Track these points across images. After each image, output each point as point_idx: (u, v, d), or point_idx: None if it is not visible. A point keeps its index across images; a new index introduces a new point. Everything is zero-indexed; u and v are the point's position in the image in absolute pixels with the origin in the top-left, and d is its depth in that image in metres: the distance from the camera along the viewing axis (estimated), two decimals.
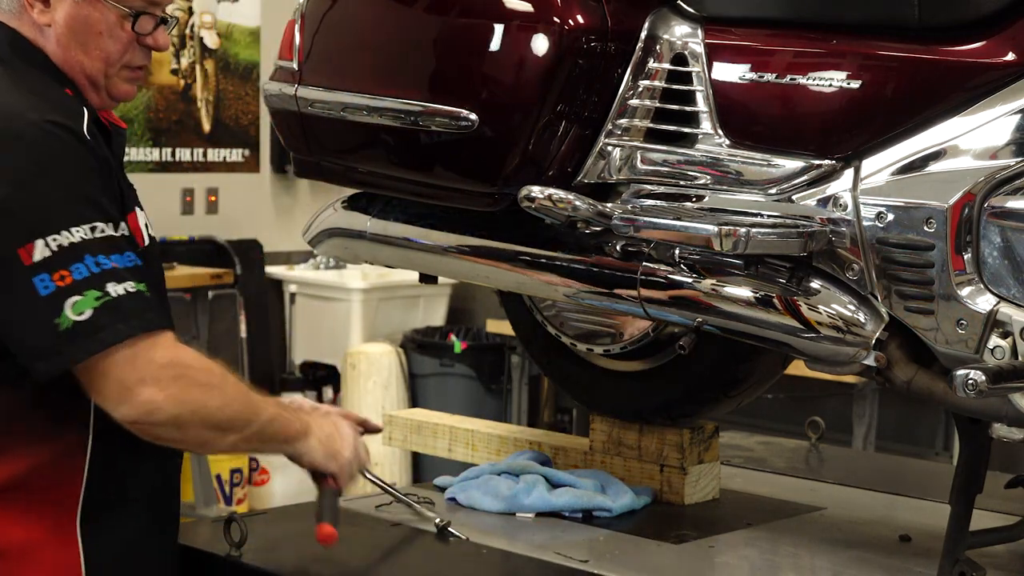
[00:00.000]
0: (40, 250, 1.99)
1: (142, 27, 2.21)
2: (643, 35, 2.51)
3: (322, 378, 7.23)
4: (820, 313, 2.28)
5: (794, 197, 2.32)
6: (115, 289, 2.01)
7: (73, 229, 2.01)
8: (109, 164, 2.13)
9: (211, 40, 7.12)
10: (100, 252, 2.01)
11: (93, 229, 2.02)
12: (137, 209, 2.22)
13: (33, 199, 2.02)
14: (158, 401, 2.03)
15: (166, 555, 2.32)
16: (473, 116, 2.51)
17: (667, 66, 2.49)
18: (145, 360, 2.02)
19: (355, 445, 2.39)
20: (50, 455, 2.12)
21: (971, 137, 2.16)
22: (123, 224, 2.09)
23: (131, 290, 2.02)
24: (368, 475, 2.50)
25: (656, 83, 2.50)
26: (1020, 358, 2.09)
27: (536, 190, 2.46)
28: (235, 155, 7.27)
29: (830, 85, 2.31)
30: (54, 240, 2.00)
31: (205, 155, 7.12)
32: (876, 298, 2.25)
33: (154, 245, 2.27)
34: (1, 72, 2.15)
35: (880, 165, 2.25)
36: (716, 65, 2.44)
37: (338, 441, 2.35)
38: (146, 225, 2.25)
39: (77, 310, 1.98)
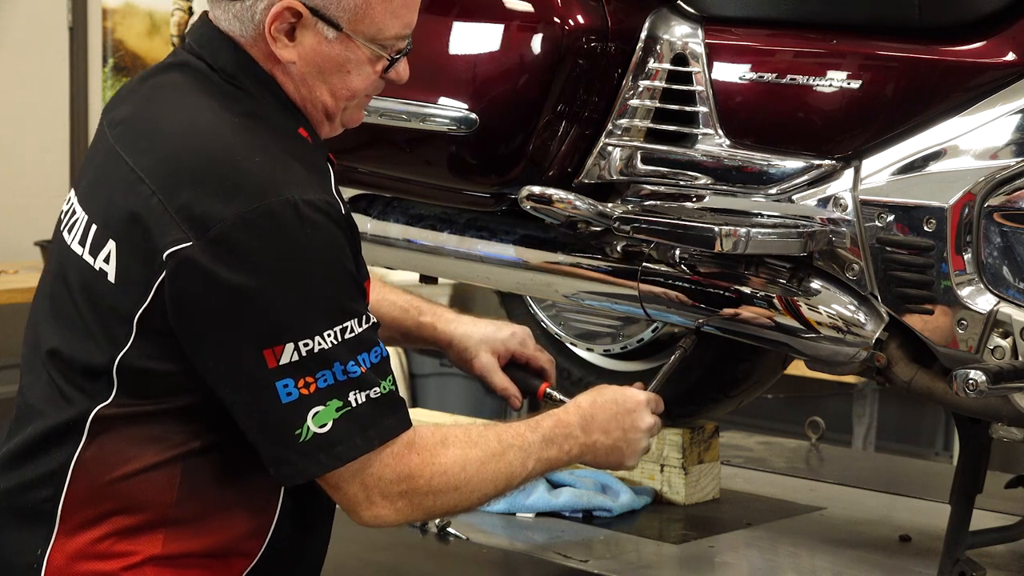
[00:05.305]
0: (288, 354, 1.83)
1: (395, 68, 2.02)
2: (643, 35, 2.51)
3: None
4: (820, 313, 2.29)
5: (794, 197, 2.33)
6: (356, 398, 1.87)
7: (326, 333, 1.84)
8: (357, 229, 1.96)
9: None
10: (350, 358, 1.86)
11: (344, 331, 1.85)
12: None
13: (287, 296, 1.84)
14: (387, 517, 1.94)
15: None
16: (474, 116, 2.51)
17: (667, 66, 2.49)
18: (375, 478, 1.91)
19: (641, 448, 2.21)
20: (239, 524, 1.96)
21: (971, 137, 2.16)
22: (369, 312, 1.91)
23: (373, 396, 1.88)
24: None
25: (656, 83, 2.50)
26: (1020, 358, 2.09)
27: (536, 190, 2.46)
28: None
29: (830, 85, 2.31)
30: (305, 345, 1.83)
31: None
32: (876, 298, 2.25)
33: None
34: (246, 106, 1.95)
35: (880, 165, 2.25)
36: (716, 65, 2.44)
37: (620, 453, 2.19)
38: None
39: (318, 422, 1.85)
